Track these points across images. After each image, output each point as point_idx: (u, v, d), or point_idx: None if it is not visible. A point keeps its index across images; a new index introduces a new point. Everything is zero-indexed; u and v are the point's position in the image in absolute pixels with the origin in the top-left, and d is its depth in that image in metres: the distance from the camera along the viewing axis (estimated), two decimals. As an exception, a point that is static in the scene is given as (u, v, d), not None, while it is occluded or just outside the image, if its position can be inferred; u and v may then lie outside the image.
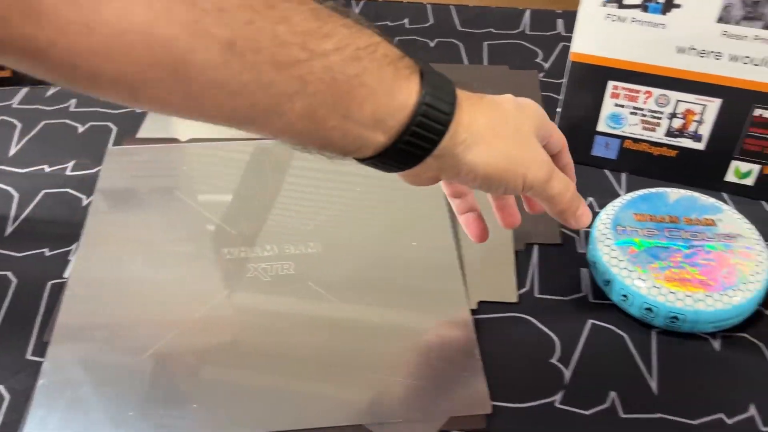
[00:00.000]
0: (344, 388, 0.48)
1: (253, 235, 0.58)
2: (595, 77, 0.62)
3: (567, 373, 0.49)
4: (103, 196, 0.62)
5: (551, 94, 0.75)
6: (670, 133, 0.63)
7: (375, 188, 0.63)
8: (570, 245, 0.59)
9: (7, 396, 0.47)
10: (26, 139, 0.69)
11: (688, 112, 0.61)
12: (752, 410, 0.47)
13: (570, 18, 0.87)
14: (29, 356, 0.49)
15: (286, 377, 0.48)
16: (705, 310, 0.49)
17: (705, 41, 0.57)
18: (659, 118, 0.62)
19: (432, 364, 0.49)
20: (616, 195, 0.62)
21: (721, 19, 0.55)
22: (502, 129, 0.41)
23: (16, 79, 0.76)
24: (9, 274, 0.55)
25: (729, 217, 0.56)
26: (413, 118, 0.37)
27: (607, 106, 0.63)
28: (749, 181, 0.62)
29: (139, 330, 0.51)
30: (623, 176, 0.66)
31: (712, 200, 0.57)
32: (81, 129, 0.71)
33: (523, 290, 0.55)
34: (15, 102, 0.74)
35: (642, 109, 0.62)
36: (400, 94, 0.37)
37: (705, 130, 0.61)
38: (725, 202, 0.62)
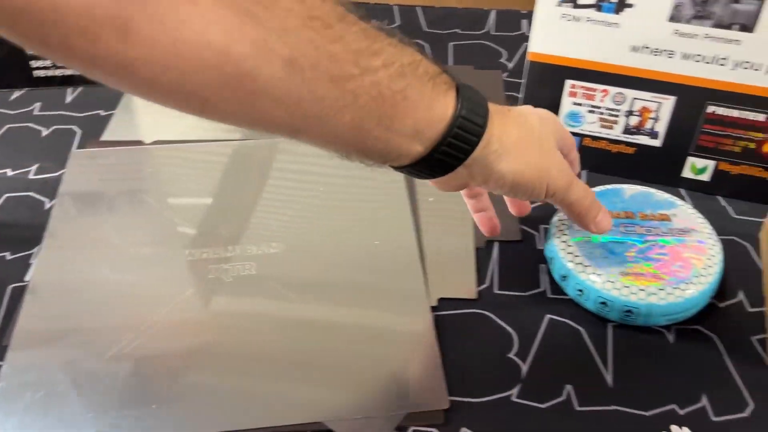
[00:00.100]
0: (304, 386, 0.48)
1: (215, 236, 0.59)
2: (552, 76, 0.63)
3: (524, 368, 0.50)
4: (66, 199, 0.62)
5: (514, 93, 0.76)
6: (627, 131, 0.64)
7: (338, 188, 0.64)
8: (530, 242, 0.60)
9: (-35, 400, 0.47)
10: (-11, 143, 0.69)
11: (644, 109, 0.62)
12: (704, 401, 0.48)
13: (534, 18, 0.88)
14: (-12, 360, 0.49)
15: (246, 376, 0.49)
16: (658, 304, 0.50)
17: (658, 40, 0.58)
18: (616, 116, 0.63)
19: (391, 361, 0.50)
20: (576, 192, 0.63)
21: (673, 18, 0.57)
22: (529, 141, 0.45)
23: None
24: (-31, 278, 0.55)
25: (683, 212, 0.57)
26: (450, 130, 0.40)
27: (566, 105, 0.64)
28: (705, 177, 0.64)
29: (99, 333, 0.51)
30: (583, 174, 0.66)
31: (666, 196, 0.58)
32: (45, 132, 0.71)
33: (483, 287, 0.56)
34: (-22, 106, 0.74)
35: (599, 108, 0.63)
36: (439, 107, 0.40)
37: (661, 128, 0.62)
38: (682, 197, 0.63)
